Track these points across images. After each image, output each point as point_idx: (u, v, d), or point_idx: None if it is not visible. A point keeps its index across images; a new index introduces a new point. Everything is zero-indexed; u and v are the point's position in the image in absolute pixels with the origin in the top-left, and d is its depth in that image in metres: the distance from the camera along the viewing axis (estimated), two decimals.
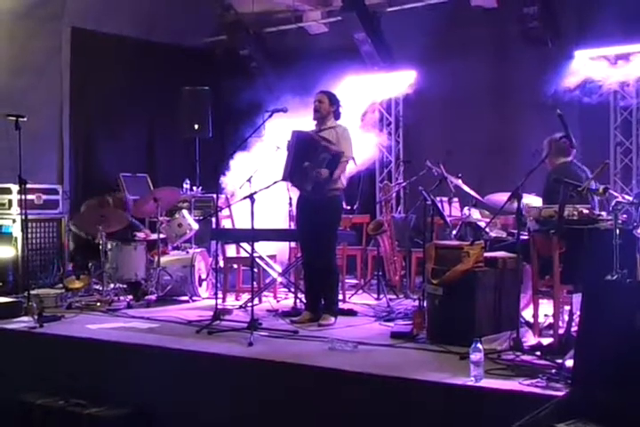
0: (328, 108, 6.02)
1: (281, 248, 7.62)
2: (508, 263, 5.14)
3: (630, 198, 5.43)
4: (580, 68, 7.81)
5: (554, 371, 4.08)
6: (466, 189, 6.57)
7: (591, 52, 8.04)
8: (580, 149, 5.86)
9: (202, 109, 9.52)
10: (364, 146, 7.86)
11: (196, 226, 7.68)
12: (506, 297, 5.03)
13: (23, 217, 6.82)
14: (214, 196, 7.67)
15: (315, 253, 6.06)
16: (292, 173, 5.96)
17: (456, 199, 7.16)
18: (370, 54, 9.48)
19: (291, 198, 6.99)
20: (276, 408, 4.61)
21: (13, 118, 6.37)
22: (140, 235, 7.84)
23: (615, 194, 5.37)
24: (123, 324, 6.09)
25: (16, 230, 7.66)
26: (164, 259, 7.34)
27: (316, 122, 6.08)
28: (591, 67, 7.85)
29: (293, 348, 5.13)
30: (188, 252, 7.64)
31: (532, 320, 5.15)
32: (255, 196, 5.66)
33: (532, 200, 5.78)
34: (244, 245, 7.16)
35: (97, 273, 7.24)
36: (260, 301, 7.13)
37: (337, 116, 6.10)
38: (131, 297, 7.12)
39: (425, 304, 5.46)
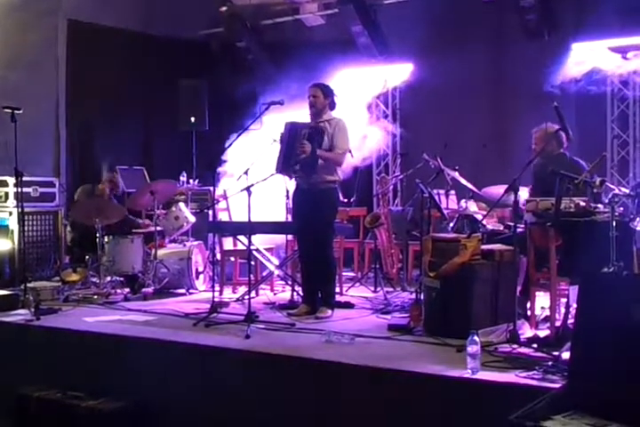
0: (323, 102, 5.99)
1: (278, 241, 7.61)
2: (504, 256, 5.13)
3: (627, 191, 5.43)
4: (585, 60, 7.77)
5: (550, 363, 4.09)
6: (463, 181, 6.56)
7: (588, 45, 8.02)
8: (577, 142, 5.84)
9: (199, 102, 9.50)
10: (368, 139, 7.85)
11: (192, 219, 7.67)
12: (503, 290, 5.03)
13: (20, 210, 6.81)
14: (211, 188, 7.67)
15: (311, 246, 6.05)
16: (285, 166, 5.95)
17: (453, 192, 7.15)
18: (367, 46, 9.45)
19: (288, 191, 6.98)
20: (273, 401, 4.61)
21: (9, 111, 6.33)
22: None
23: (612, 186, 5.37)
24: (120, 317, 6.08)
25: (13, 223, 7.67)
26: (160, 252, 7.34)
27: (311, 116, 6.06)
28: (595, 58, 7.81)
29: (290, 340, 5.13)
30: (184, 245, 7.63)
31: (528, 313, 5.16)
32: (252, 188, 5.65)
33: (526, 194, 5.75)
34: (241, 237, 7.15)
35: (94, 266, 7.24)
36: (257, 293, 7.13)
37: (332, 106, 6.07)
38: (128, 290, 7.12)
39: (422, 297, 5.46)
